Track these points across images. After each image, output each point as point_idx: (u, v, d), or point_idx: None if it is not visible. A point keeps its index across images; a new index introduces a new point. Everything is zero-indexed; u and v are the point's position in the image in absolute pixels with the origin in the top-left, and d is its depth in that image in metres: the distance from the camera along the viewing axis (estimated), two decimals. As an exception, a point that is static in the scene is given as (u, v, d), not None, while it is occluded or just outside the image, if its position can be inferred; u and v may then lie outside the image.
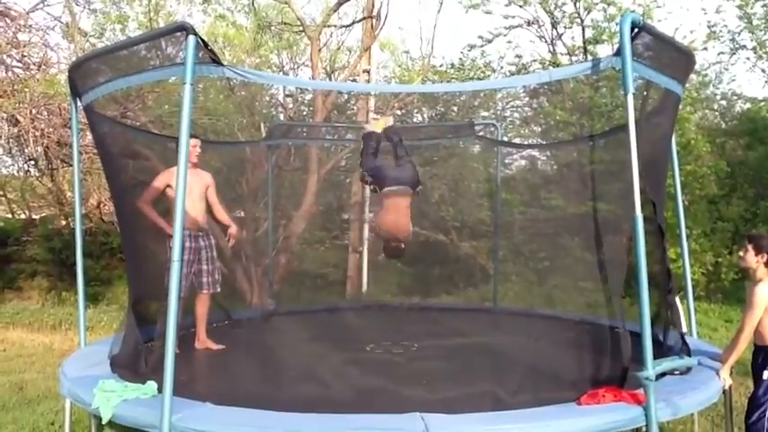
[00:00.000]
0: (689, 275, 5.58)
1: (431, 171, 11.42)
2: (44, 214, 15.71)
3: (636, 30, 3.70)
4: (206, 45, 3.78)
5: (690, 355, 4.38)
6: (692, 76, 14.50)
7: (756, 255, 4.03)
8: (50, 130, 10.00)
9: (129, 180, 5.37)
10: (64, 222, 13.94)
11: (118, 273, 12.84)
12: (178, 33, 3.74)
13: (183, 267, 5.49)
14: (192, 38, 3.62)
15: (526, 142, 13.72)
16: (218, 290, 5.85)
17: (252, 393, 4.10)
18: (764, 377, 4.05)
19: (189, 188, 5.51)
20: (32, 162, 12.25)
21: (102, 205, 11.18)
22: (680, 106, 12.69)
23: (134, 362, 4.41)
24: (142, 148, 6.36)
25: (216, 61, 3.93)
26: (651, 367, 3.54)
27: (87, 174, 10.23)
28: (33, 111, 9.89)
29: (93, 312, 10.49)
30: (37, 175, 12.88)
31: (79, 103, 5.01)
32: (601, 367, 4.15)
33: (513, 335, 6.23)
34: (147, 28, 11.81)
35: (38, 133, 9.77)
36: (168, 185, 5.20)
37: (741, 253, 4.14)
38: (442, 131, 10.29)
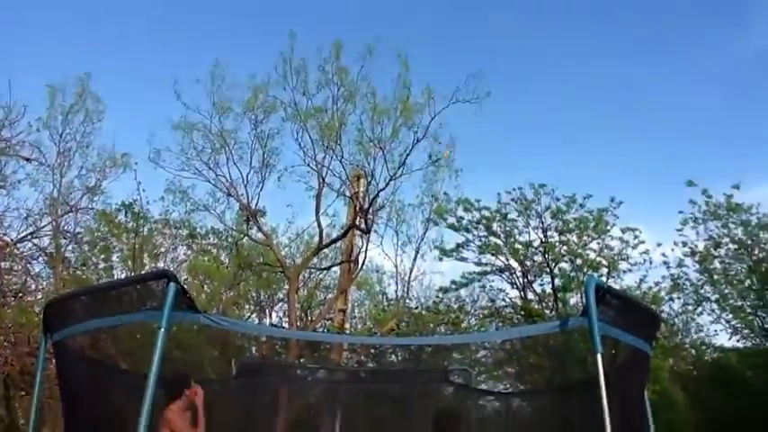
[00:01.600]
0: None
1: (403, 416, 11.07)
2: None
3: (601, 292, 3.85)
4: (185, 292, 3.84)
5: None
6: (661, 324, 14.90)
7: None
8: (14, 358, 9.78)
9: (91, 416, 5.09)
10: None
11: None
12: (159, 280, 3.81)
13: None
14: (172, 285, 3.69)
15: (500, 384, 13.58)
16: None
17: None
18: None
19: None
20: (-10, 387, 11.79)
21: (55, 439, 10.57)
22: (652, 355, 12.85)
23: None
24: (109, 385, 6.13)
25: (193, 308, 3.98)
26: None
27: (45, 404, 9.79)
28: (1, 338, 9.74)
29: None
30: (-8, 401, 12.32)
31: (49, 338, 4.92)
32: None
33: None
34: (131, 261, 12.10)
35: (1, 360, 9.54)
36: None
37: None
38: (415, 377, 10.17)
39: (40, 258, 11.74)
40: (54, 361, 5.55)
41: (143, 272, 11.32)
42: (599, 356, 3.69)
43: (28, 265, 11.33)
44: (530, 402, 9.46)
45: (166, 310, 3.65)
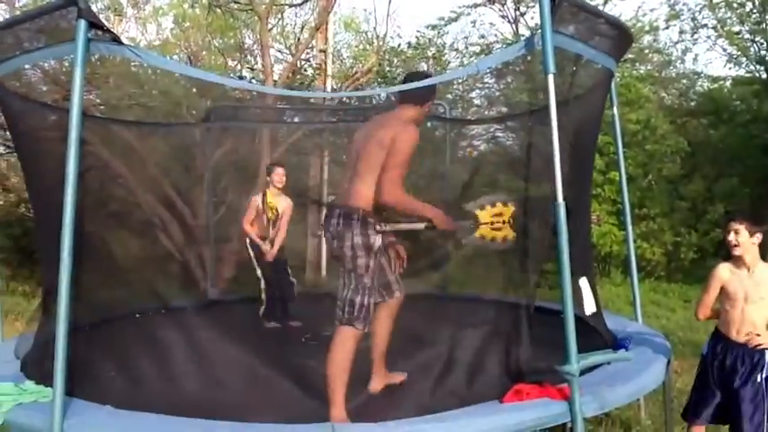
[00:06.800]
0: (633, 257, 5.38)
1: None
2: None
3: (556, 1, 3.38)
4: (99, 26, 3.45)
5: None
6: (655, 55, 14.48)
7: (751, 236, 3.48)
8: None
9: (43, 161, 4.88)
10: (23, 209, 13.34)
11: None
12: (66, 9, 3.40)
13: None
14: (82, 22, 3.29)
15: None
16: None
17: (159, 396, 3.77)
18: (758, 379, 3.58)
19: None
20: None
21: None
22: (642, 85, 12.53)
23: (42, 361, 3.99)
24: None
25: (116, 40, 3.61)
26: (575, 362, 3.36)
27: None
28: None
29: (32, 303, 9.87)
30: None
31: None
32: (528, 358, 3.88)
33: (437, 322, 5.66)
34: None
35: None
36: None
37: (731, 237, 3.49)
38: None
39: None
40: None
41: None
42: (551, 77, 3.38)
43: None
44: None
45: (80, 49, 3.27)
